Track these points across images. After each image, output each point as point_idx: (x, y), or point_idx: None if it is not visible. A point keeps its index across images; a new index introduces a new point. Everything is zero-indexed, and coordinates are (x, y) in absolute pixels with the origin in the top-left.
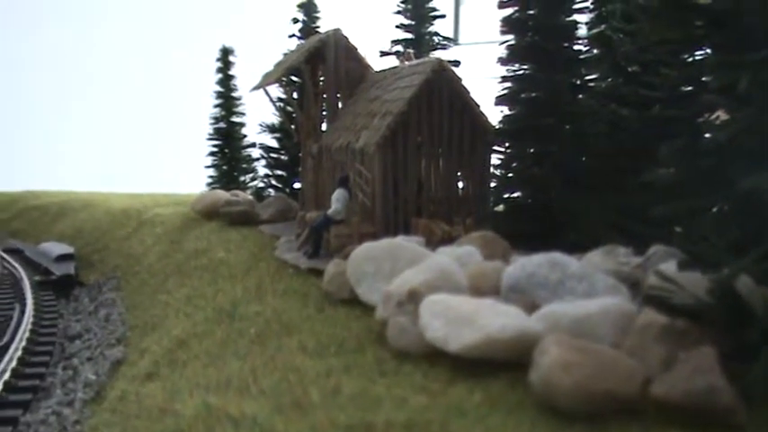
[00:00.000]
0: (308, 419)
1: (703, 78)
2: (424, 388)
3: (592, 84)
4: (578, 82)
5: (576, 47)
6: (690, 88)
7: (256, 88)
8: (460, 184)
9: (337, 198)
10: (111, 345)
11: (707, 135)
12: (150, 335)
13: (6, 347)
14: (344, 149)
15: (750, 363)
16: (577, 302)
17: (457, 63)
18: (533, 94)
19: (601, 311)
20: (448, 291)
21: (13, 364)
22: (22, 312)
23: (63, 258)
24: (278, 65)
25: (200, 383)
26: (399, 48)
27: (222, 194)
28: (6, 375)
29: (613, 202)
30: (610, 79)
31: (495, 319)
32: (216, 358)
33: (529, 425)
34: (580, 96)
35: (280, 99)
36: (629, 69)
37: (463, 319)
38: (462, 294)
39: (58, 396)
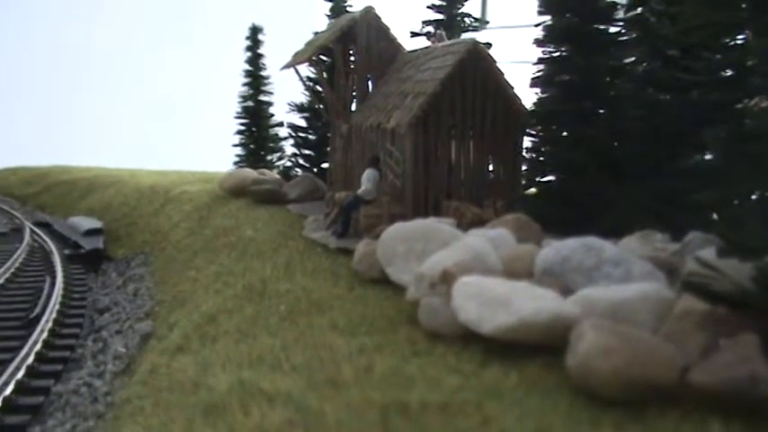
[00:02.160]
0: (342, 397)
1: (747, 63)
2: (457, 369)
3: (629, 67)
4: (616, 65)
5: (614, 29)
6: (731, 73)
7: (286, 67)
8: (491, 167)
9: (368, 178)
10: (139, 319)
11: (751, 120)
12: (179, 310)
13: (38, 319)
14: (375, 129)
15: None
16: (614, 287)
17: (489, 45)
18: (570, 77)
19: (638, 297)
20: (481, 273)
21: (45, 335)
22: (52, 285)
23: (91, 233)
24: (309, 44)
25: (231, 358)
26: (430, 28)
27: (250, 173)
28: (38, 346)
29: (649, 187)
30: (646, 63)
31: (530, 302)
32: (246, 334)
33: (566, 409)
34: (617, 80)
35: (309, 78)
36: (669, 53)
37: (497, 301)
38: (496, 277)
39: (89, 368)
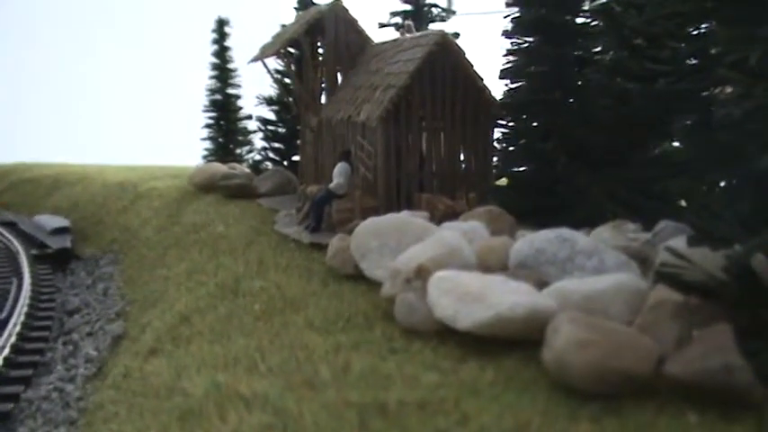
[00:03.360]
0: (320, 398)
1: (712, 52)
2: (434, 366)
3: (597, 57)
4: (584, 56)
5: (582, 20)
6: (696, 62)
7: (254, 60)
8: (463, 159)
9: (339, 172)
10: (110, 320)
11: (720, 110)
12: (151, 310)
13: (5, 322)
14: (345, 123)
15: (766, 341)
16: (588, 279)
17: (456, 35)
18: (539, 68)
19: (612, 288)
20: (456, 267)
21: (13, 339)
22: (20, 286)
23: (59, 232)
24: (276, 37)
25: (206, 361)
26: (398, 19)
27: (220, 167)
28: (6, 351)
29: (620, 176)
30: (613, 53)
31: (506, 297)
32: (221, 335)
33: (544, 404)
34: (586, 70)
35: (278, 71)
36: (635, 43)
37: (473, 296)
38: (470, 271)
39: (60, 372)
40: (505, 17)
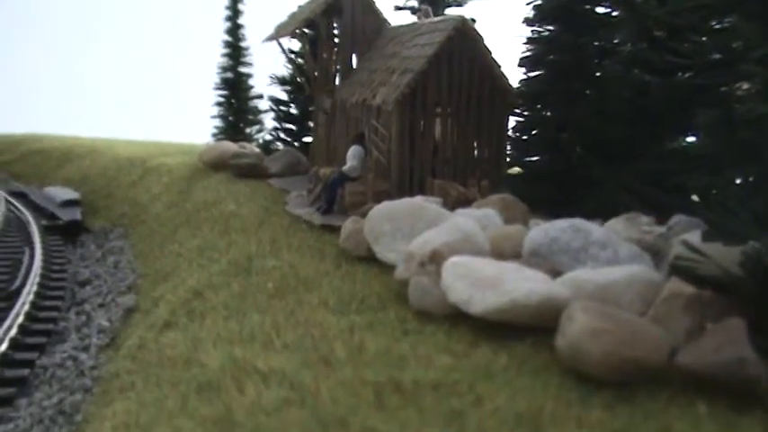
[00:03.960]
0: (336, 375)
1: (734, 46)
2: (447, 348)
3: (617, 48)
4: (604, 46)
5: (603, 9)
6: (718, 56)
7: (269, 39)
8: (477, 146)
9: (353, 155)
10: (121, 292)
11: (742, 106)
12: (162, 284)
13: (18, 291)
14: (360, 105)
15: None
16: (602, 269)
17: (473, 20)
18: (558, 57)
19: (626, 279)
20: (470, 253)
21: (26, 307)
22: (32, 256)
23: (69, 204)
24: (292, 16)
25: (221, 336)
26: (415, 3)
27: (230, 146)
28: (20, 319)
29: (635, 169)
30: (632, 44)
31: (522, 284)
32: (235, 311)
33: (556, 389)
34: (605, 61)
35: (292, 51)
36: (656, 34)
37: (487, 282)
38: (484, 257)
39: (73, 341)
40: (527, 4)
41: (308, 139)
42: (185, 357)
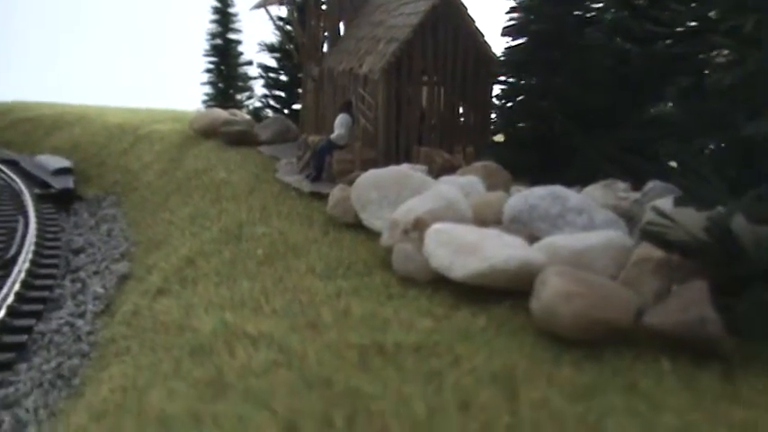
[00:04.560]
0: (322, 338)
1: (709, 15)
2: (429, 312)
3: (597, 16)
4: (585, 15)
5: None
6: (696, 24)
7: (258, 7)
8: (462, 113)
9: (340, 123)
10: (115, 260)
11: (712, 76)
12: (155, 252)
13: (15, 259)
14: (347, 74)
15: (739, 297)
16: (577, 235)
17: None
18: (540, 27)
19: (600, 244)
20: (452, 220)
21: (23, 275)
22: (26, 225)
23: (61, 172)
24: None
25: (213, 301)
26: None
27: (221, 113)
28: (17, 286)
29: (615, 136)
30: (614, 11)
31: (500, 250)
32: (226, 277)
33: (530, 349)
34: (586, 29)
35: (281, 18)
36: (637, 2)
37: (468, 248)
38: (466, 224)
39: (69, 308)
40: None
41: (297, 106)
42: (178, 323)
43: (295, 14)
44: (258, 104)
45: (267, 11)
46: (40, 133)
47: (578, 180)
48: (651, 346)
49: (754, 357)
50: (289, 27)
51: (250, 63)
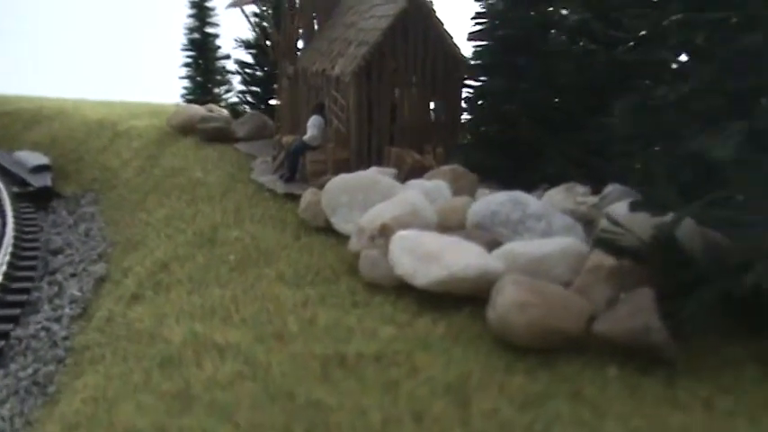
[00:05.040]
0: (287, 349)
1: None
2: (392, 319)
3: (562, 18)
4: (551, 19)
5: None
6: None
7: (232, 6)
8: (432, 114)
9: (313, 124)
10: (93, 261)
11: (658, 90)
12: (132, 253)
13: None
14: (320, 75)
15: (685, 302)
16: (535, 241)
17: None
18: (505, 32)
19: (557, 251)
20: (418, 226)
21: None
22: (4, 225)
23: (39, 169)
24: None
25: (185, 310)
26: None
27: (198, 110)
28: None
29: (578, 139)
30: (578, 15)
31: (460, 258)
32: (199, 284)
33: (485, 357)
34: (552, 31)
35: (256, 14)
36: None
37: (430, 255)
38: (431, 230)
39: (46, 312)
40: None
41: (274, 102)
42: (150, 332)
43: (270, 11)
44: (235, 99)
45: (242, 10)
46: (18, 128)
47: (544, 182)
48: (601, 352)
49: (696, 362)
50: (265, 23)
51: (228, 57)
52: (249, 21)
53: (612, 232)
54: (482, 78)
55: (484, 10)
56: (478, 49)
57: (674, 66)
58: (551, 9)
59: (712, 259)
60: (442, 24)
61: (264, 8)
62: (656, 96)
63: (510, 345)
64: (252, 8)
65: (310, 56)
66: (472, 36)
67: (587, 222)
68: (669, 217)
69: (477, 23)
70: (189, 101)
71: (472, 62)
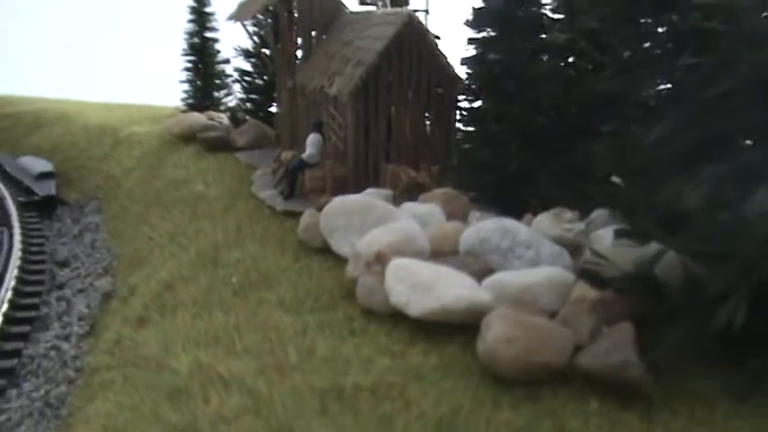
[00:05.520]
0: (288, 381)
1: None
2: (387, 349)
3: (552, 40)
4: (540, 45)
5: (542, 10)
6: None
7: (232, 19)
8: (427, 132)
9: (312, 143)
10: (99, 275)
11: (634, 132)
12: (137, 270)
13: (1, 277)
14: (319, 91)
15: (660, 335)
16: (522, 271)
17: (427, 12)
18: (495, 58)
19: (544, 281)
20: (411, 253)
21: (9, 294)
22: (11, 236)
23: (43, 177)
24: (252, 1)
25: (190, 336)
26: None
27: (199, 118)
28: (4, 307)
29: (566, 162)
30: (568, 36)
31: (451, 290)
32: (202, 308)
33: (474, 389)
34: (542, 57)
35: (255, 25)
36: (589, 28)
37: (424, 285)
38: (425, 256)
39: (56, 329)
40: (474, 9)
41: (273, 109)
42: (158, 359)
43: (269, 23)
44: (234, 103)
45: (243, 24)
46: (21, 131)
47: (536, 201)
48: (584, 385)
49: (672, 396)
50: (263, 33)
51: (227, 62)
52: (249, 34)
53: (596, 263)
54: (473, 101)
55: (477, 36)
56: (471, 72)
57: (652, 104)
58: (539, 39)
59: (690, 293)
60: (436, 45)
61: (263, 24)
62: (633, 139)
63: (497, 377)
64: (251, 21)
65: (308, 72)
66: (465, 61)
67: (575, 248)
68: (651, 247)
69: (469, 49)
70: (189, 104)
71: (464, 85)
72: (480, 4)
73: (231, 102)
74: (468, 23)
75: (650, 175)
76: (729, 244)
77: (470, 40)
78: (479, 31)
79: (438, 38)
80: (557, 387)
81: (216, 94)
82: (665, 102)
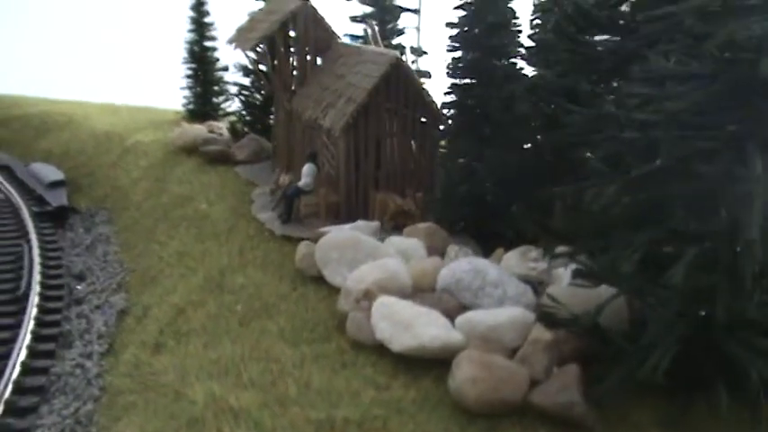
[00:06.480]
0: (288, 414)
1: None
2: (373, 381)
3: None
4: (513, 94)
5: (510, 63)
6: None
7: (232, 43)
8: (413, 162)
9: (307, 173)
10: (114, 290)
11: (588, 189)
12: (149, 288)
13: (26, 296)
14: (313, 122)
15: (606, 374)
16: (490, 311)
17: (424, 53)
18: (472, 104)
19: (507, 321)
20: (395, 290)
21: (35, 311)
22: (30, 249)
23: (55, 185)
24: (250, 28)
25: (203, 366)
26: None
27: (200, 131)
28: (32, 325)
29: (534, 199)
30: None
31: (428, 329)
32: (212, 337)
33: (446, 422)
34: (516, 102)
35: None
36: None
37: (404, 324)
38: (407, 292)
39: (78, 347)
40: (453, 59)
41: (271, 121)
42: (175, 388)
43: (264, 48)
44: (233, 109)
45: (243, 51)
46: (30, 134)
47: (508, 231)
48: (537, 418)
49: (612, 425)
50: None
51: (226, 69)
52: (249, 61)
53: (552, 306)
54: (452, 141)
55: (455, 82)
56: (450, 116)
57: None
58: (510, 87)
59: (629, 338)
60: (420, 83)
61: (261, 54)
62: (585, 200)
63: (465, 410)
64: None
65: (304, 100)
66: (445, 105)
67: (539, 284)
68: (602, 289)
69: (448, 93)
70: (189, 110)
71: (444, 128)
72: (458, 55)
73: (230, 107)
74: (447, 72)
75: (596, 237)
76: (660, 301)
77: (451, 86)
78: (460, 79)
79: (429, 75)
80: (515, 420)
81: (215, 100)
82: (612, 168)
